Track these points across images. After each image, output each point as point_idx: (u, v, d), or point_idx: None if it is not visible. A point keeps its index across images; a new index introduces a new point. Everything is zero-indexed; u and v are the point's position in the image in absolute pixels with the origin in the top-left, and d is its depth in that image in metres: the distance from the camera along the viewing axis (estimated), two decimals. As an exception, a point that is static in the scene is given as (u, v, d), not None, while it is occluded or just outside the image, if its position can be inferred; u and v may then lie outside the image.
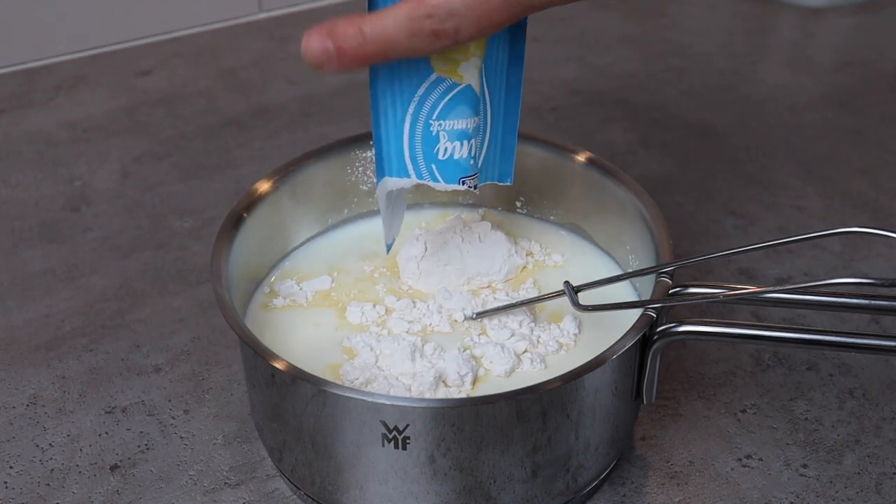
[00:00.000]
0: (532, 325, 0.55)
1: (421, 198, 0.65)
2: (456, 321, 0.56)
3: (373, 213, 0.64)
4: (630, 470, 0.56)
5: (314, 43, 0.47)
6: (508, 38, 0.52)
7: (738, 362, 0.62)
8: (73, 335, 0.65)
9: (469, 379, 0.52)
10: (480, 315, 0.56)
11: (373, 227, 0.63)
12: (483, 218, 0.64)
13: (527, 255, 0.61)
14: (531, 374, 0.53)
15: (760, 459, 0.56)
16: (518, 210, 0.64)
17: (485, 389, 0.53)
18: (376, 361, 0.53)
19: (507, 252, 0.59)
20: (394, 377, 0.52)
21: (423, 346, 0.53)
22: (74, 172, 0.80)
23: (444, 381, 0.52)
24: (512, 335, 0.55)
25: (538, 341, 0.55)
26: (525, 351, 0.54)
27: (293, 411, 0.49)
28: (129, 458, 0.57)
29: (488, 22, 0.46)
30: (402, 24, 0.46)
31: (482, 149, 0.53)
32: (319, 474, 0.51)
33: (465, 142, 0.51)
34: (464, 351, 0.54)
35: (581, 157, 0.61)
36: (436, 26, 0.45)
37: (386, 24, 0.46)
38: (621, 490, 0.55)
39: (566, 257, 0.62)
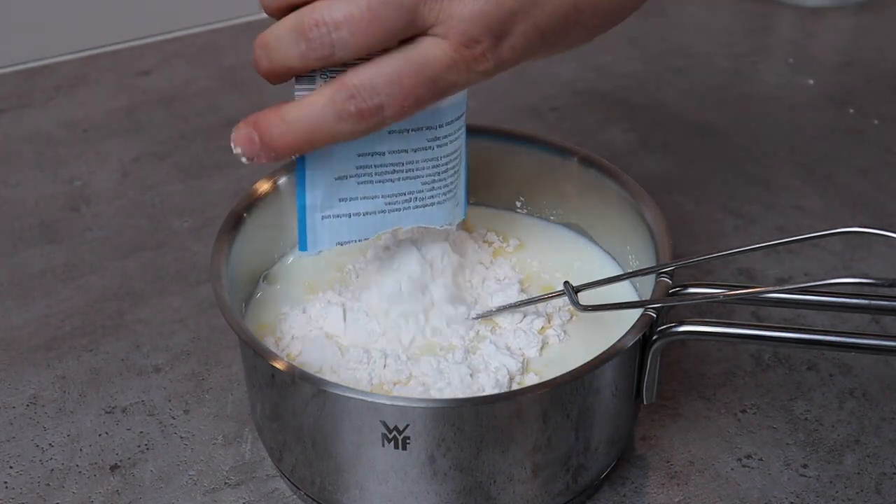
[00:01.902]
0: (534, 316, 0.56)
1: None
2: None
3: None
4: (630, 470, 0.56)
5: (241, 135, 0.47)
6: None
7: (738, 362, 0.62)
8: (73, 335, 0.65)
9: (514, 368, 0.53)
10: (480, 316, 0.56)
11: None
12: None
13: (485, 243, 0.61)
14: (560, 348, 0.54)
15: (760, 459, 0.56)
16: (518, 210, 0.64)
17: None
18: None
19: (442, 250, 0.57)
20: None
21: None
22: (74, 172, 0.80)
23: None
24: (524, 318, 0.55)
25: (549, 320, 0.56)
26: (543, 328, 0.55)
27: (293, 411, 0.49)
28: (129, 458, 0.57)
29: (413, 99, 0.45)
30: (325, 108, 0.45)
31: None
32: (319, 474, 0.51)
33: None
34: (503, 347, 0.54)
35: (581, 157, 0.61)
36: (360, 105, 0.44)
37: (309, 110, 0.45)
38: (621, 490, 0.55)
39: (559, 252, 0.62)
